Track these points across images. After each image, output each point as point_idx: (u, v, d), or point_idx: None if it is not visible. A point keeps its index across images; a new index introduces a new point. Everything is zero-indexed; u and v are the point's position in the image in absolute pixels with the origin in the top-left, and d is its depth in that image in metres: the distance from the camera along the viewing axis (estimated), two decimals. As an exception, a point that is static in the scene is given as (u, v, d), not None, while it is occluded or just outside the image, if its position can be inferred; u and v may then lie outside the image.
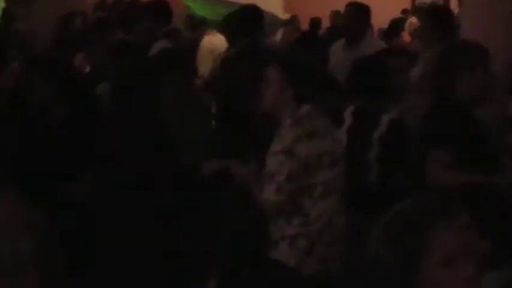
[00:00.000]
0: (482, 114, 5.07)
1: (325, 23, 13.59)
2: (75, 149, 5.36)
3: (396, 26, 12.55)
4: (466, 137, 4.71)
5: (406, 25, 12.80)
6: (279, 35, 12.57)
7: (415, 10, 13.06)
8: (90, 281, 5.11)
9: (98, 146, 5.42)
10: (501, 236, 3.46)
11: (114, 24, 9.08)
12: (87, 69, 7.66)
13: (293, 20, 14.52)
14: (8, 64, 7.44)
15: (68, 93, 5.58)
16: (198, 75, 10.12)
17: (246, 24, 7.09)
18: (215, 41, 11.73)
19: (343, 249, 4.70)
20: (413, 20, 11.78)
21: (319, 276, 4.66)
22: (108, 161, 5.33)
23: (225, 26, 8.66)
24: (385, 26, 12.61)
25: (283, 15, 14.79)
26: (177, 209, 4.56)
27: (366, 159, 5.33)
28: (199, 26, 13.15)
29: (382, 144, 5.26)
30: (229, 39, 8.08)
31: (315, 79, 4.92)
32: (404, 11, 14.58)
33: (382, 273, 2.51)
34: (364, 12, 8.64)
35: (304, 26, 14.19)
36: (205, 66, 11.21)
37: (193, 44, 11.61)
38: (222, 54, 8.44)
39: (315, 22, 13.87)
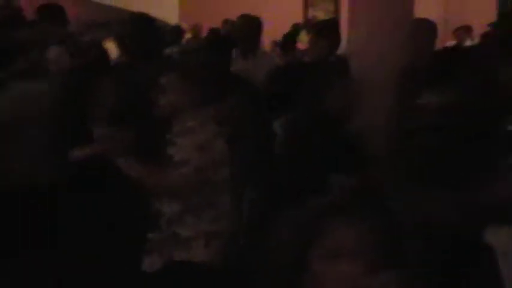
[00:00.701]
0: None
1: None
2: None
3: (291, 38, 12.73)
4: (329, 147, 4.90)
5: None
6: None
7: (306, 24, 13.29)
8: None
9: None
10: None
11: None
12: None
13: (195, 28, 14.39)
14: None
15: None
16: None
17: (137, 34, 6.94)
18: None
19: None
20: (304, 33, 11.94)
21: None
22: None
23: (116, 34, 8.56)
24: (278, 38, 12.81)
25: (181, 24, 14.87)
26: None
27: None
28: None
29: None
30: (120, 47, 7.86)
31: (218, 83, 5.06)
32: (295, 25, 14.81)
33: (277, 263, 2.56)
34: (255, 24, 8.69)
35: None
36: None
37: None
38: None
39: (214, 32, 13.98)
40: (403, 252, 2.75)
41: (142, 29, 6.86)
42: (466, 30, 12.97)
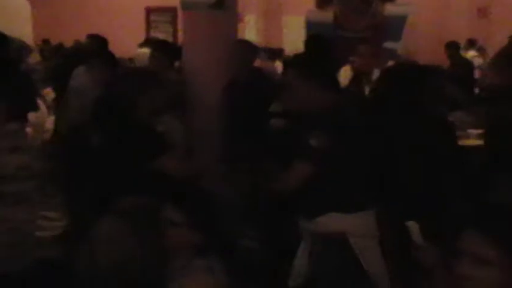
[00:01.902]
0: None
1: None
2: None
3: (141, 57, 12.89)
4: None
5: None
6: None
7: (146, 43, 13.36)
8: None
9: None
10: (208, 230, 3.45)
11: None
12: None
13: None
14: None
15: None
16: None
17: None
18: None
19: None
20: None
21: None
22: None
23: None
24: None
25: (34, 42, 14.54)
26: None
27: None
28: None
29: None
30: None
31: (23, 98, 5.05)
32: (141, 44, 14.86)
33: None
34: (102, 43, 8.85)
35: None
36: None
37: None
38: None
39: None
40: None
41: None
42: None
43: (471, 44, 15.54)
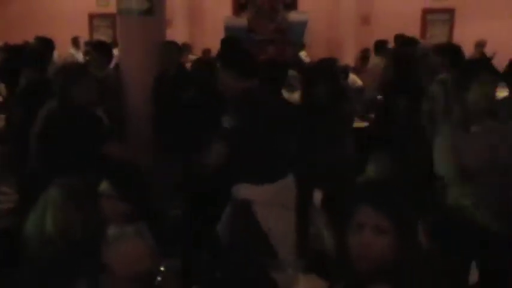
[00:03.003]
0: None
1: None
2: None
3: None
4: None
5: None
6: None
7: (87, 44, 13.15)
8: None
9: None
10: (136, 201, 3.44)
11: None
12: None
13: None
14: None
15: None
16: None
17: None
18: None
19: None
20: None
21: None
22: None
23: None
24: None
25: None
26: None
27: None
28: None
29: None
30: None
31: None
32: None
33: None
34: (48, 44, 8.45)
35: None
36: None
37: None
38: None
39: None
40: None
41: None
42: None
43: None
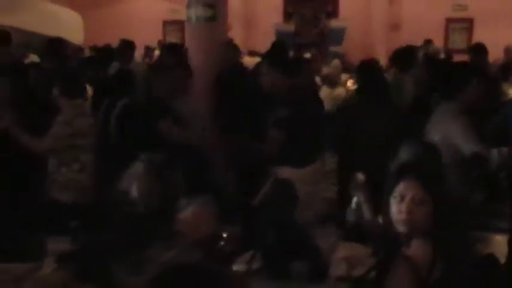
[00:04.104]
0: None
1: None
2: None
3: (152, 52, 12.77)
4: None
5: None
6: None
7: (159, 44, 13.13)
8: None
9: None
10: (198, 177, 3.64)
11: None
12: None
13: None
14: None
15: None
16: None
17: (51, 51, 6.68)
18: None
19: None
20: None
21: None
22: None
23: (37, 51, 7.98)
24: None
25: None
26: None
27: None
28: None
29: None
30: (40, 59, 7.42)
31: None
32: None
33: None
34: (130, 45, 8.60)
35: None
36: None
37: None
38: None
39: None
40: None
41: (55, 47, 6.76)
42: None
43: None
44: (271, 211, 3.55)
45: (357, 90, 5.74)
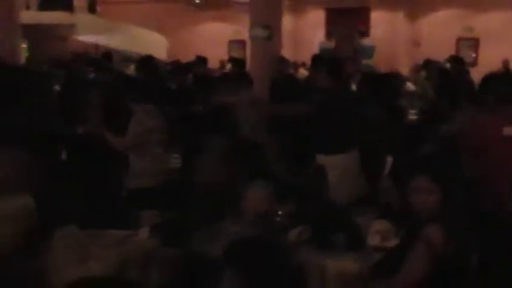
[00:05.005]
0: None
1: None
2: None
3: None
4: None
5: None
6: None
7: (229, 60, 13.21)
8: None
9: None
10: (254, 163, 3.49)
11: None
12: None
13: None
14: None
15: None
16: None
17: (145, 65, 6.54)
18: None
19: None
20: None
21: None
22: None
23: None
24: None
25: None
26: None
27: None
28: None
29: None
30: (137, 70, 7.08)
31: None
32: (222, 60, 14.52)
33: None
34: (203, 60, 8.68)
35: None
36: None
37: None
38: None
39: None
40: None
41: (148, 62, 6.77)
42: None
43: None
44: (313, 192, 3.47)
45: None
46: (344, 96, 4.69)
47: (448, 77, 6.23)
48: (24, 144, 3.57)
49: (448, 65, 7.94)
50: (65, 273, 1.74)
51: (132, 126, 4.28)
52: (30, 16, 14.06)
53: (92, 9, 17.96)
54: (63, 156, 4.05)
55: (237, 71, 6.92)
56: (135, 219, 3.25)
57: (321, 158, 4.21)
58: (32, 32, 13.24)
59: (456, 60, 8.10)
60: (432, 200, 2.49)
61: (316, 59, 6.03)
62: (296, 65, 12.34)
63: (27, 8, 14.79)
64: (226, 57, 15.62)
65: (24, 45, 12.50)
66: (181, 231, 2.73)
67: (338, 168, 4.08)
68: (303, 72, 9.33)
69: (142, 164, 4.27)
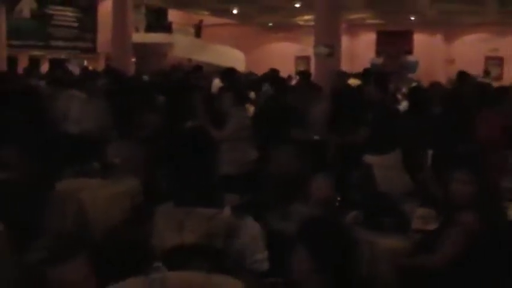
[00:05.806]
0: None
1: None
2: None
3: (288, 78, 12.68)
4: None
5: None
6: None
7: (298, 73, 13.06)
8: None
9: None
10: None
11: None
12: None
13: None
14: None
15: None
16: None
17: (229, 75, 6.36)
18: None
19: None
20: None
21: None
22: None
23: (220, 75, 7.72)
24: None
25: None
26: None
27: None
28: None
29: None
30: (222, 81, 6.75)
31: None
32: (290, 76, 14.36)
33: None
34: (275, 72, 8.43)
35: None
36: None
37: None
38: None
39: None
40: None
41: (232, 74, 6.76)
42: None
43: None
44: (364, 185, 3.43)
45: None
46: (388, 109, 4.56)
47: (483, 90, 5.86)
48: (136, 138, 3.78)
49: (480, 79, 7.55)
50: (165, 240, 1.77)
51: (232, 123, 4.31)
52: (139, 37, 14.72)
53: (197, 33, 18.70)
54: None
55: (306, 82, 6.86)
56: (221, 200, 3.29)
57: (369, 158, 4.06)
58: (140, 49, 13.84)
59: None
60: (469, 190, 2.44)
61: (365, 72, 5.93)
62: (348, 76, 12.13)
63: (136, 30, 15.44)
64: (292, 71, 15.63)
65: (133, 59, 13.09)
66: (258, 211, 2.75)
67: (383, 165, 3.92)
68: (353, 82, 9.17)
69: (232, 154, 4.21)
